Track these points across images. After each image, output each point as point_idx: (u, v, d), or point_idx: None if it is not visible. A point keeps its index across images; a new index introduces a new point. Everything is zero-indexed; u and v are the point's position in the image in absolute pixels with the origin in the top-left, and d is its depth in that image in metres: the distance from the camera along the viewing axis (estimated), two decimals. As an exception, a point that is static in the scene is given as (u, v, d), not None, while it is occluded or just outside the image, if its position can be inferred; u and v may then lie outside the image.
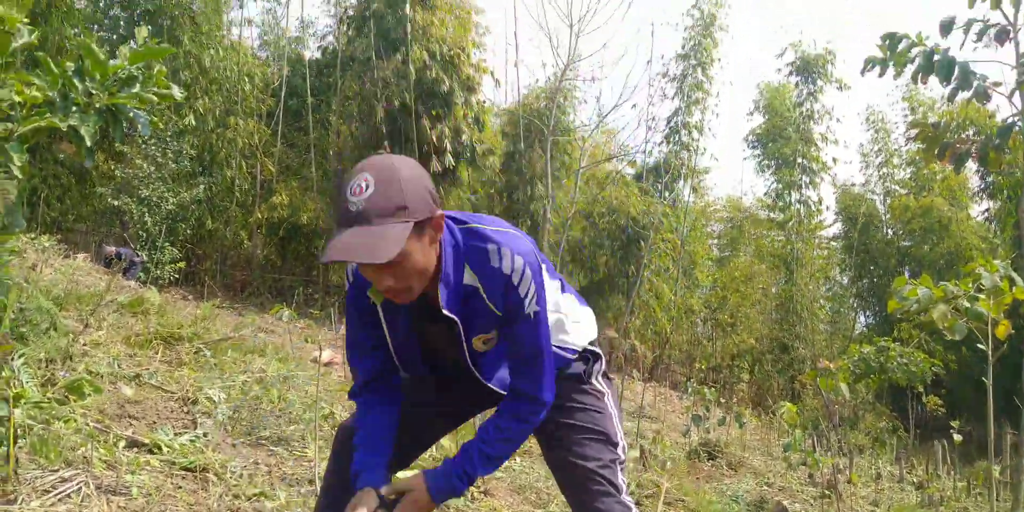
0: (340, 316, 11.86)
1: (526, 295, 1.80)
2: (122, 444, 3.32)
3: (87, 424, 3.36)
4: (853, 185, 23.67)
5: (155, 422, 3.79)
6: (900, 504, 6.79)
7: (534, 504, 4.33)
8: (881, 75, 5.35)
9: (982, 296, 4.53)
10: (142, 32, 2.82)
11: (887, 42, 5.13)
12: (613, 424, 2.12)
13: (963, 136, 6.07)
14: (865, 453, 9.78)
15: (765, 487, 6.50)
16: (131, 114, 2.66)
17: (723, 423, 8.82)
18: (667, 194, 19.37)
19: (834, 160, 21.73)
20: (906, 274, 19.84)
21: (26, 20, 2.69)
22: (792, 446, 6.97)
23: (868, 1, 61.73)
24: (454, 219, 1.84)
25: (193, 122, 13.98)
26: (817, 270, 21.42)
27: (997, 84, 5.14)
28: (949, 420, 7.26)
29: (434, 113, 14.23)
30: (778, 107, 22.11)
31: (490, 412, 2.05)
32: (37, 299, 4.05)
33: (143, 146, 13.05)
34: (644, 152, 19.52)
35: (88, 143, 2.48)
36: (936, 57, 4.96)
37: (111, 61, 2.64)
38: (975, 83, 4.90)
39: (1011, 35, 5.03)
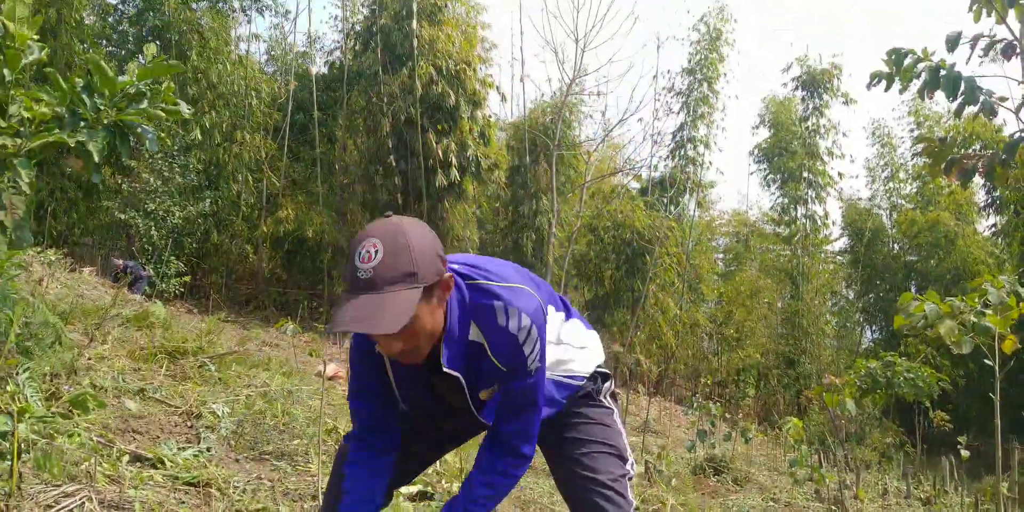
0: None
1: (531, 353, 1.81)
2: (125, 459, 3.32)
3: (91, 439, 3.36)
4: (859, 199, 23.69)
5: (159, 437, 3.79)
6: (908, 521, 6.73)
7: (538, 520, 4.31)
8: (887, 90, 5.34)
9: (989, 311, 4.52)
10: (151, 49, 2.85)
11: (892, 57, 5.13)
12: (622, 439, 2.14)
13: (970, 151, 6.06)
14: (872, 469, 9.71)
15: (771, 503, 6.45)
16: (139, 130, 2.69)
17: (729, 438, 8.77)
18: (672, 208, 19.38)
19: (840, 175, 21.75)
20: (912, 289, 19.78)
21: (36, 37, 2.73)
22: (798, 461, 6.94)
23: (867, 0, 61.96)
24: (461, 274, 1.83)
25: (200, 136, 14.06)
26: (823, 285, 21.35)
27: (1003, 99, 5.13)
28: (956, 435, 7.21)
29: (440, 127, 14.30)
30: (784, 121, 22.14)
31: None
32: (43, 313, 4.06)
33: (150, 160, 13.13)
34: (650, 166, 19.61)
35: (96, 159, 2.50)
36: (942, 72, 4.96)
37: (119, 77, 2.67)
38: (982, 98, 4.90)
39: (1018, 50, 5.03)
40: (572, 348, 2.08)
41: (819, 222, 21.34)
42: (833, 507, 6.21)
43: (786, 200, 21.63)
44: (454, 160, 14.18)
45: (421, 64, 14.03)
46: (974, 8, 5.03)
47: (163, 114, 2.76)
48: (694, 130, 19.71)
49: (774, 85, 42.55)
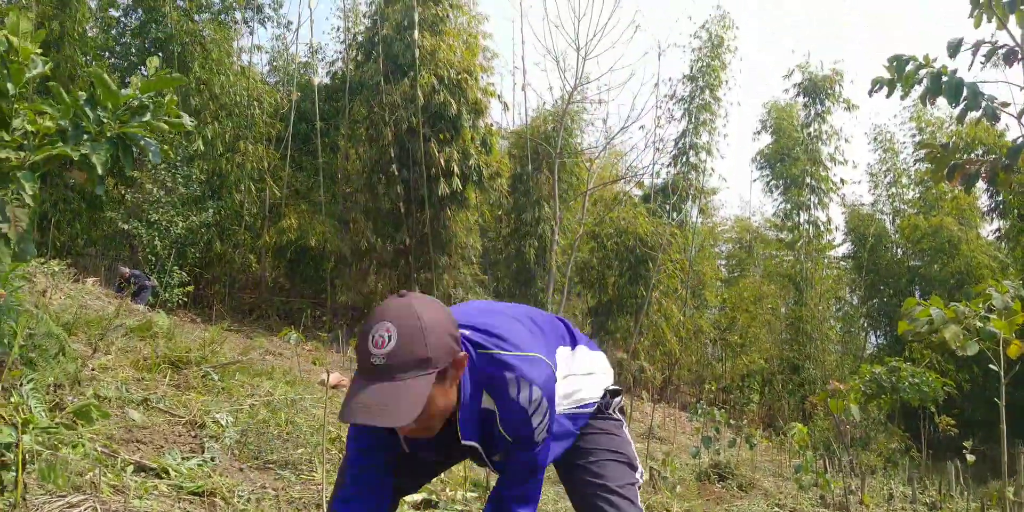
0: (347, 338, 11.87)
1: (539, 425, 1.80)
2: (130, 469, 3.32)
3: (95, 449, 3.37)
4: (862, 205, 23.66)
5: (163, 446, 3.79)
6: (914, 527, 6.70)
7: (543, 528, 4.30)
8: (888, 96, 5.35)
9: (993, 316, 4.52)
10: (154, 62, 2.87)
11: (894, 64, 5.14)
12: (630, 448, 2.15)
13: (972, 156, 6.06)
14: (877, 474, 9.67)
15: (776, 509, 6.43)
16: (142, 142, 2.71)
17: (733, 444, 8.76)
18: (675, 215, 19.39)
19: (842, 181, 21.75)
20: (916, 294, 19.74)
21: (39, 51, 2.75)
22: (803, 467, 6.93)
23: (867, 2, 61.95)
24: (472, 341, 1.79)
25: (202, 147, 14.11)
26: (827, 290, 21.31)
27: (1006, 104, 5.13)
28: (962, 440, 7.17)
29: (442, 136, 14.35)
30: (786, 127, 22.16)
31: None
32: (46, 324, 4.07)
33: (153, 171, 13.18)
34: (652, 173, 19.65)
35: (100, 172, 2.51)
36: (944, 78, 4.97)
37: (123, 90, 2.69)
38: (984, 104, 4.91)
39: (1019, 56, 5.03)
40: (578, 377, 2.07)
41: (822, 228, 21.34)
42: (839, 513, 6.19)
43: (789, 206, 21.63)
44: (456, 169, 14.22)
45: (423, 74, 14.09)
46: (975, 14, 5.05)
47: (166, 126, 2.78)
48: (696, 137, 19.75)
49: (774, 89, 42.70)
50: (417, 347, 1.55)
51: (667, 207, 19.02)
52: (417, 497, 3.81)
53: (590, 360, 2.16)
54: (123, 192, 14.23)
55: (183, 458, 3.62)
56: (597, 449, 2.08)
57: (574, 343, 2.13)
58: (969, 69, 5.96)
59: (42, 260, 8.13)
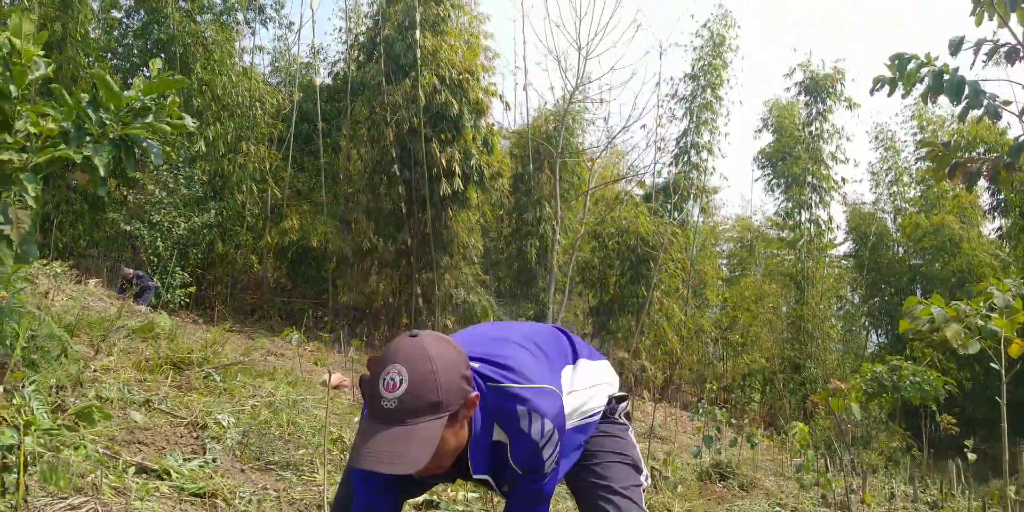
0: (349, 339, 11.89)
1: (549, 457, 1.80)
2: (131, 470, 3.33)
3: (97, 451, 3.38)
4: (863, 204, 23.64)
5: (164, 448, 3.80)
6: (916, 526, 6.70)
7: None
8: (890, 95, 5.34)
9: (995, 315, 4.52)
10: (156, 64, 2.87)
11: (896, 62, 5.14)
12: (636, 451, 2.16)
13: (974, 155, 6.05)
14: (878, 473, 9.66)
15: (777, 508, 6.43)
16: (144, 144, 2.71)
17: (735, 444, 8.75)
18: (676, 214, 19.39)
19: (843, 180, 21.73)
20: (918, 293, 19.74)
21: (41, 52, 2.75)
22: (805, 466, 6.92)
23: (868, 1, 61.85)
24: (481, 374, 1.77)
25: (204, 148, 14.13)
26: (828, 289, 21.31)
27: (1007, 102, 5.13)
28: (963, 439, 7.17)
29: (443, 136, 14.36)
30: (787, 126, 22.14)
31: None
32: (49, 326, 4.08)
33: (155, 172, 13.20)
34: (653, 173, 19.66)
35: (102, 173, 2.52)
36: (946, 77, 4.97)
37: (125, 92, 2.70)
38: (985, 102, 4.90)
39: (1021, 54, 5.03)
40: (582, 391, 2.07)
41: (823, 226, 21.33)
42: (840, 512, 6.19)
43: (790, 205, 21.62)
44: (458, 169, 14.23)
45: (424, 74, 14.10)
46: (976, 12, 5.05)
47: (168, 128, 2.79)
48: (698, 136, 19.77)
49: (775, 88, 42.49)
50: (429, 391, 1.54)
51: (668, 206, 19.02)
52: (418, 498, 3.81)
53: (592, 372, 2.16)
54: (125, 193, 14.25)
55: (185, 459, 3.63)
56: (602, 451, 2.09)
57: (575, 357, 2.12)
58: (971, 68, 5.94)
59: (44, 261, 8.15)
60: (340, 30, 22.65)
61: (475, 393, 1.65)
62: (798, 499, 6.85)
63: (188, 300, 12.78)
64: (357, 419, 5.83)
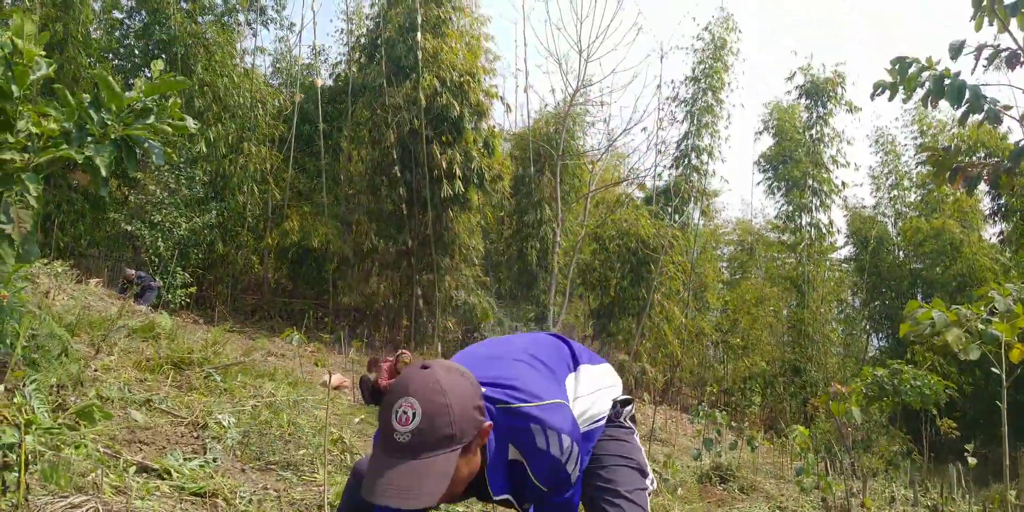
0: (349, 339, 11.89)
1: (572, 469, 1.81)
2: (132, 470, 3.33)
3: (97, 450, 3.38)
4: (864, 207, 23.64)
5: (165, 447, 3.80)
6: (915, 530, 6.69)
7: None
8: (891, 99, 5.35)
9: (995, 319, 4.52)
10: (158, 65, 2.88)
11: (896, 66, 5.14)
12: (641, 455, 2.16)
13: (974, 159, 6.05)
14: (879, 476, 9.65)
15: (777, 511, 6.43)
16: (145, 144, 2.72)
17: (735, 447, 8.75)
18: (677, 217, 19.39)
19: (843, 184, 21.74)
20: (918, 296, 19.72)
21: (43, 53, 2.76)
22: (805, 470, 6.91)
23: (867, 2, 61.96)
24: (489, 397, 1.74)
25: (205, 149, 14.14)
26: (829, 292, 21.30)
27: (1008, 107, 5.14)
28: (963, 443, 7.17)
29: (444, 138, 14.37)
30: (788, 129, 22.15)
31: None
32: (49, 325, 4.08)
33: (156, 172, 13.21)
34: (654, 175, 19.66)
35: (103, 174, 2.52)
36: (946, 81, 4.97)
37: (127, 93, 2.70)
38: (986, 106, 4.91)
39: (1022, 59, 5.03)
40: (585, 397, 2.07)
41: (824, 230, 21.31)
42: (840, 516, 6.18)
43: (791, 208, 21.61)
44: (458, 170, 14.24)
45: (425, 76, 14.11)
46: (976, 17, 5.05)
47: (170, 129, 2.79)
48: (698, 139, 19.76)
49: (773, 88, 42.61)
50: (442, 424, 1.52)
51: (669, 209, 19.03)
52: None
53: (594, 376, 2.16)
54: (126, 193, 14.25)
55: (185, 459, 3.63)
56: (607, 455, 2.08)
57: (576, 364, 2.12)
58: (972, 72, 5.93)
59: (45, 261, 8.16)
60: (341, 32, 22.65)
61: (488, 422, 1.63)
62: (798, 502, 6.85)
63: (189, 300, 12.79)
64: (357, 420, 5.84)
